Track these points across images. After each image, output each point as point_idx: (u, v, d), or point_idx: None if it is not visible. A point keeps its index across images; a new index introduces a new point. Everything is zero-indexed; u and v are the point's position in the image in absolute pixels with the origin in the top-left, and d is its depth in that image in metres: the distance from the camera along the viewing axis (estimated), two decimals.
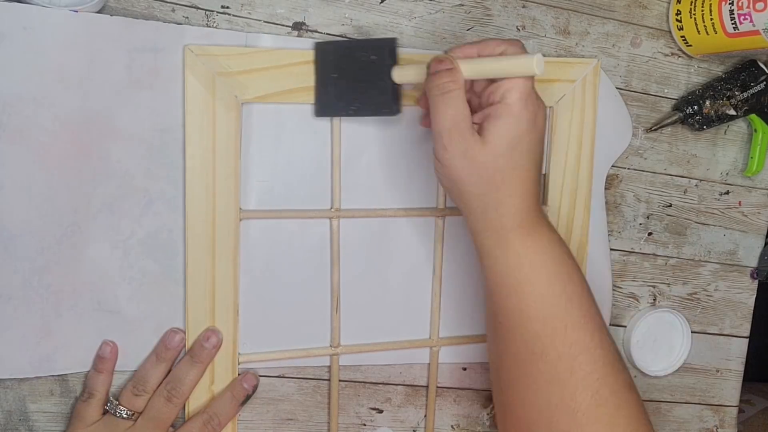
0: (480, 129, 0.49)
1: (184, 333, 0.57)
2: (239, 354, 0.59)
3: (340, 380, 0.62)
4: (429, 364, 0.64)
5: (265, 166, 0.58)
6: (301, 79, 0.57)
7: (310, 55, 0.57)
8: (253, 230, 0.58)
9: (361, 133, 0.60)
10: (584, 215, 0.65)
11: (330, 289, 0.60)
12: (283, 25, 0.58)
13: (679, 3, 0.66)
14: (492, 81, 0.50)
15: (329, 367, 0.62)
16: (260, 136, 0.58)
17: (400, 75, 0.54)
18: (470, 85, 0.52)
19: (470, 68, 0.49)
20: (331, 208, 0.60)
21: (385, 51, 0.54)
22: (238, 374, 0.59)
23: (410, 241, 0.62)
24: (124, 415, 0.55)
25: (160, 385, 0.56)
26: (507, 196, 0.49)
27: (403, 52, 0.56)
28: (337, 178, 0.59)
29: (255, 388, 0.59)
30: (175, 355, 0.57)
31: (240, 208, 0.57)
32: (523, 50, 0.50)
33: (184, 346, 0.57)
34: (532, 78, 0.48)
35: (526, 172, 0.49)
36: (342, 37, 0.59)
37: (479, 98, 0.51)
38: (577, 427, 0.48)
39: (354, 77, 0.55)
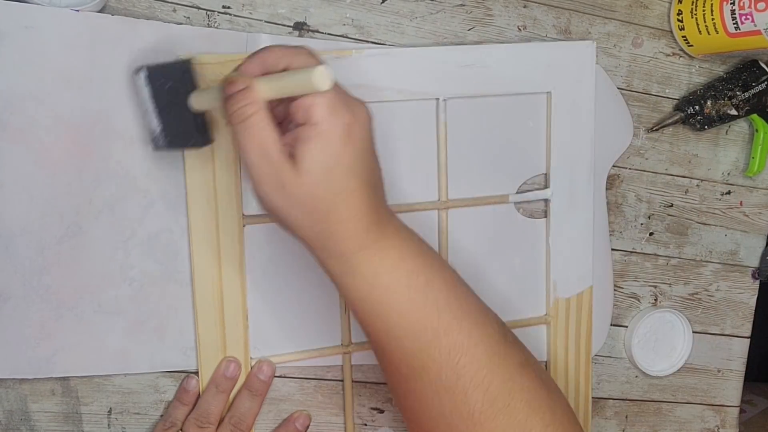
0: (292, 154, 0.43)
1: (238, 361, 0.58)
2: (251, 358, 0.59)
3: (340, 380, 0.62)
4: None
5: None
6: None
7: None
8: (257, 234, 0.58)
9: None
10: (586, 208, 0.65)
11: None
12: (284, 26, 0.58)
13: (681, 3, 0.66)
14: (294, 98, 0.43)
15: (341, 365, 0.62)
16: None
17: (197, 102, 0.49)
18: (277, 103, 0.45)
19: (267, 87, 0.42)
20: None
21: (179, 75, 0.50)
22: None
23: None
24: None
25: (222, 417, 0.57)
26: (337, 224, 0.44)
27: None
28: None
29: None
30: (233, 385, 0.58)
31: (243, 214, 0.57)
32: (311, 58, 0.44)
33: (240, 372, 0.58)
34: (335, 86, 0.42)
35: (352, 193, 0.44)
36: (344, 37, 0.59)
37: (290, 116, 0.44)
38: (478, 427, 0.46)
39: (160, 108, 0.51)
